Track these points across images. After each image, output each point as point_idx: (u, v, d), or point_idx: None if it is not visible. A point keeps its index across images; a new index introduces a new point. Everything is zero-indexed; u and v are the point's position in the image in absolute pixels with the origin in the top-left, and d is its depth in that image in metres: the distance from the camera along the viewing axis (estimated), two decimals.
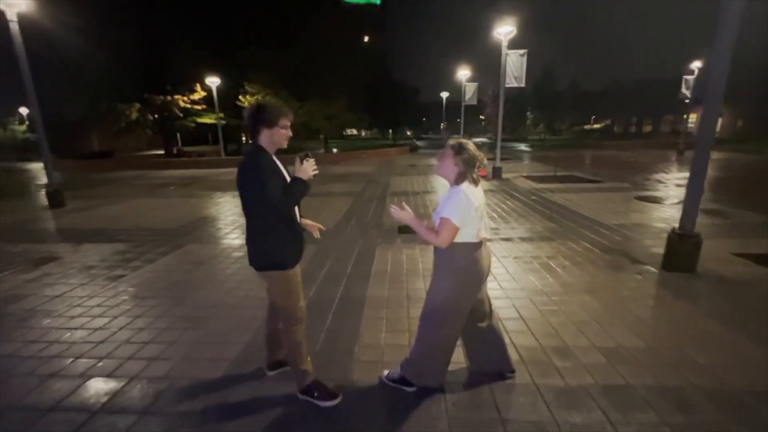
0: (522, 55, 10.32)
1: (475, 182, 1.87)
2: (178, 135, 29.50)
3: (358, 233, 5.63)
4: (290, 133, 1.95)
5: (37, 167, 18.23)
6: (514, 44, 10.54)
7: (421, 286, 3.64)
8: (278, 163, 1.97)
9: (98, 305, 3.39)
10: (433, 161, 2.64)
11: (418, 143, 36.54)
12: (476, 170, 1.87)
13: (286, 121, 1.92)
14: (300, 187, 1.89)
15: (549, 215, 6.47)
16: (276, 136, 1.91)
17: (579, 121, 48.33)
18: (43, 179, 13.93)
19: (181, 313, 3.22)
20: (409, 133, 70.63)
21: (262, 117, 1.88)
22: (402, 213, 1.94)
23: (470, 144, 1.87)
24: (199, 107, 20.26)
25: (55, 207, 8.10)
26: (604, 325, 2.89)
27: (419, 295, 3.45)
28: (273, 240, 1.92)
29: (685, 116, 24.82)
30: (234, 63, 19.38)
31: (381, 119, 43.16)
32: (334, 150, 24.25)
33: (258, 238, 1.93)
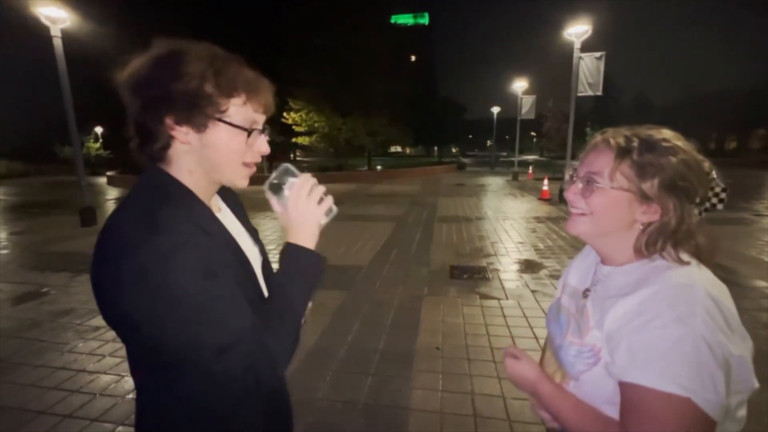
0: (598, 58, 8.72)
1: (706, 258, 0.64)
2: None
3: (399, 275, 4.41)
4: (267, 148, 0.70)
5: (102, 182, 19.19)
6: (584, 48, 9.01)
7: (495, 388, 2.30)
8: (224, 221, 0.72)
9: (38, 383, 2.45)
10: (569, 195, 0.68)
11: (465, 160, 34.98)
12: (704, 208, 0.67)
13: (255, 103, 0.66)
14: (308, 275, 0.70)
15: None
16: (220, 151, 0.65)
17: None
18: (107, 194, 14.52)
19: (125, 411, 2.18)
20: (454, 150, 69.30)
21: (169, 85, 0.60)
22: (519, 367, 0.73)
23: (673, 136, 0.63)
24: None
25: (86, 225, 7.82)
26: None
27: (495, 411, 2.11)
28: None
29: None
30: (278, 78, 19.41)
31: (426, 136, 42.31)
32: (378, 167, 23.50)
33: None
